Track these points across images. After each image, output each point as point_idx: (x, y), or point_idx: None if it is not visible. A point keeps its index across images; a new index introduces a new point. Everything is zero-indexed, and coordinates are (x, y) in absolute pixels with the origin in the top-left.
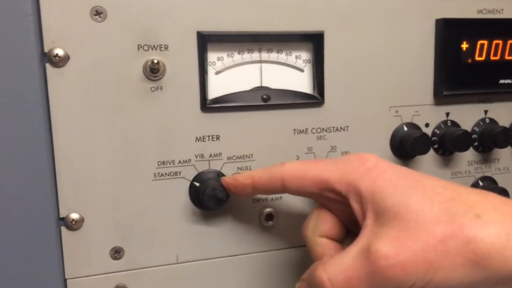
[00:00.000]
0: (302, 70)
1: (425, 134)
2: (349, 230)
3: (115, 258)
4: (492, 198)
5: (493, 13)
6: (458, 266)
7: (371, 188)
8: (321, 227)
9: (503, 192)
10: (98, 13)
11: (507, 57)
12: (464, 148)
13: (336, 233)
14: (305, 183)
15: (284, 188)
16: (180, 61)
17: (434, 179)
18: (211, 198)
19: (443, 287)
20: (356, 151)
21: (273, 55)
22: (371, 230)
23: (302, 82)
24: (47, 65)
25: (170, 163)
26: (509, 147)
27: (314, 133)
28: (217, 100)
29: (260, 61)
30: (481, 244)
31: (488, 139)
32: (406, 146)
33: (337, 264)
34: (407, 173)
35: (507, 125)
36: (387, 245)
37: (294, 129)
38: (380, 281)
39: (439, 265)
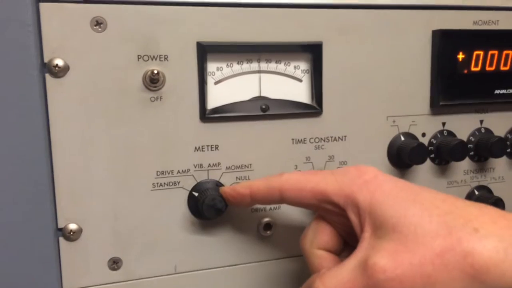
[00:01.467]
0: (300, 80)
1: (421, 144)
2: (346, 243)
3: (113, 269)
4: (490, 211)
5: (489, 25)
6: (456, 280)
7: (369, 200)
8: (319, 239)
9: (498, 201)
10: (98, 23)
11: (502, 68)
12: (460, 158)
13: (334, 245)
14: (303, 194)
15: (282, 199)
16: (180, 71)
17: (432, 192)
18: (210, 208)
19: None
20: (354, 160)
21: (272, 65)
22: (368, 243)
23: (301, 92)
24: (47, 76)
25: (169, 173)
26: (504, 157)
27: (312, 142)
28: (216, 110)
29: (259, 71)
30: (479, 258)
31: (484, 148)
32: (403, 156)
33: (334, 277)
34: (405, 186)
35: (502, 134)
36: (384, 258)
37: (293, 139)
38: None
39: (437, 279)
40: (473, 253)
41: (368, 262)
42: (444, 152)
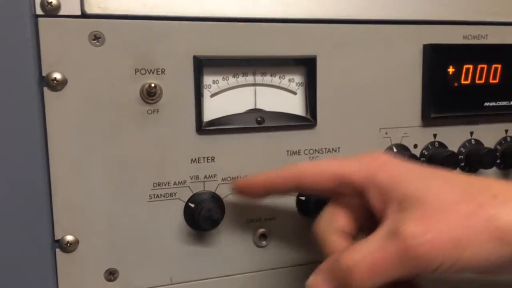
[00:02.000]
0: (295, 93)
1: (413, 156)
2: (361, 228)
3: (109, 280)
4: (506, 182)
5: (478, 39)
6: (484, 242)
7: (390, 178)
8: (335, 223)
9: None
10: (96, 38)
11: (491, 81)
12: (451, 169)
13: (350, 229)
14: (320, 179)
15: (298, 186)
16: (177, 85)
17: (446, 170)
18: (206, 219)
19: (470, 266)
20: None
21: (267, 78)
22: (395, 216)
23: (295, 105)
24: (45, 89)
25: (165, 185)
26: (494, 168)
27: (306, 154)
28: (212, 122)
29: (254, 84)
30: (502, 221)
31: (474, 160)
32: None
33: (361, 250)
34: (421, 166)
35: (492, 146)
36: (414, 225)
37: (287, 151)
38: (408, 261)
39: (466, 242)
40: (496, 217)
41: (398, 230)
42: (435, 163)
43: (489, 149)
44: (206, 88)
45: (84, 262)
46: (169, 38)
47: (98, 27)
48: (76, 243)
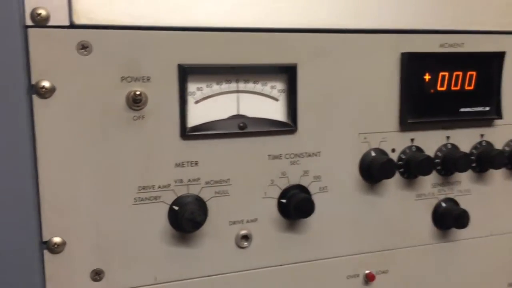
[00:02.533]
0: (277, 100)
1: (390, 160)
2: None
3: (96, 280)
4: None
5: (454, 47)
6: None
7: None
8: None
9: (463, 213)
10: (84, 47)
11: (467, 87)
12: (426, 172)
13: None
14: None
15: None
16: (162, 92)
17: None
18: (189, 221)
19: None
20: (327, 175)
21: (250, 85)
22: None
23: (277, 111)
24: (34, 97)
25: (150, 188)
26: (470, 171)
27: (288, 158)
28: (196, 128)
29: (237, 91)
30: None
31: (450, 163)
32: (373, 170)
33: None
34: None
35: (468, 149)
36: None
37: (269, 155)
38: None
39: None
40: None
41: None
42: (412, 167)
43: (464, 154)
44: (190, 95)
45: (71, 263)
46: (154, 47)
47: (85, 37)
48: (63, 244)
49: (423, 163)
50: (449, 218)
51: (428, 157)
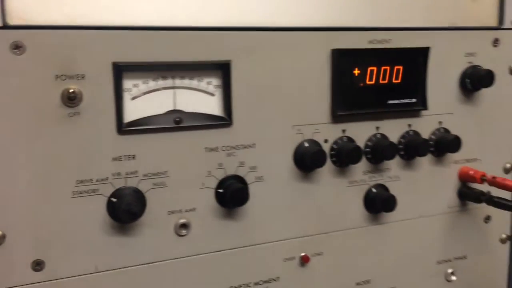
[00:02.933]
0: (213, 95)
1: (320, 150)
2: None
3: (37, 270)
4: None
5: (382, 43)
6: None
7: None
8: None
9: (390, 198)
10: (17, 47)
11: (394, 81)
12: (356, 161)
13: None
14: None
15: None
16: (96, 89)
17: None
18: (125, 212)
19: None
20: (263, 165)
21: (186, 81)
22: None
23: (214, 105)
24: None
25: (88, 182)
26: (399, 158)
27: (224, 150)
28: (132, 123)
29: (174, 87)
30: None
31: (378, 152)
32: (306, 160)
33: None
34: None
35: (396, 139)
36: None
37: (206, 148)
38: None
39: None
40: None
41: None
42: (343, 156)
43: (390, 143)
44: (126, 92)
45: (11, 255)
46: (88, 46)
47: (19, 37)
48: (3, 237)
49: (352, 153)
50: (378, 202)
51: (357, 146)
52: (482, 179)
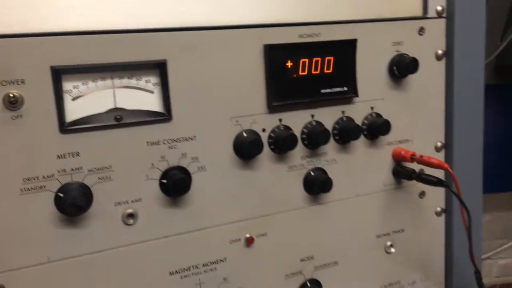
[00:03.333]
0: (152, 92)
1: (256, 139)
2: None
3: None
4: None
5: (312, 37)
6: None
7: None
8: None
9: (327, 180)
10: None
11: (326, 71)
12: (291, 147)
13: None
14: None
15: None
16: (37, 92)
17: None
18: (71, 206)
19: None
20: (204, 156)
21: (125, 81)
22: None
23: (153, 102)
24: None
25: (35, 179)
26: (335, 143)
27: (165, 144)
28: (74, 122)
29: (113, 87)
30: None
31: (313, 138)
32: (244, 149)
33: None
34: None
35: (331, 125)
36: None
37: (147, 142)
38: None
39: None
40: None
41: None
42: (280, 143)
43: (324, 129)
44: (67, 93)
45: None
46: (26, 52)
47: None
48: None
49: (287, 140)
50: (316, 184)
51: (292, 134)
52: (412, 158)
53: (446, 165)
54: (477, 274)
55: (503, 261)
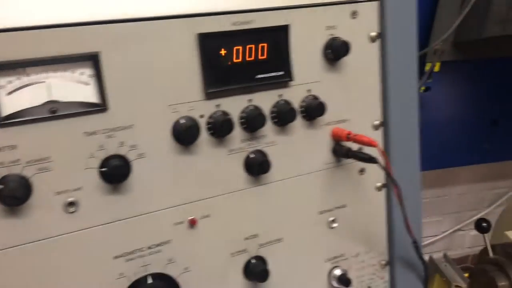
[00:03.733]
0: (88, 84)
1: (192, 125)
2: None
3: None
4: None
5: (245, 24)
6: None
7: None
8: None
9: (264, 161)
10: None
11: (260, 57)
12: (228, 132)
13: None
14: None
15: None
16: None
17: None
18: (9, 197)
19: None
20: (142, 143)
21: (59, 74)
22: None
23: (89, 94)
24: None
25: None
26: (273, 125)
27: (103, 133)
28: (10, 116)
29: (47, 80)
30: None
31: (250, 121)
32: (182, 135)
33: None
34: None
35: (268, 109)
36: None
37: (84, 132)
38: None
39: None
40: None
41: None
42: (217, 128)
43: (259, 112)
44: (1, 88)
45: None
46: None
47: None
48: None
49: (224, 124)
50: (254, 166)
51: (228, 118)
52: (347, 137)
53: (374, 143)
54: (415, 243)
55: (474, 232)
